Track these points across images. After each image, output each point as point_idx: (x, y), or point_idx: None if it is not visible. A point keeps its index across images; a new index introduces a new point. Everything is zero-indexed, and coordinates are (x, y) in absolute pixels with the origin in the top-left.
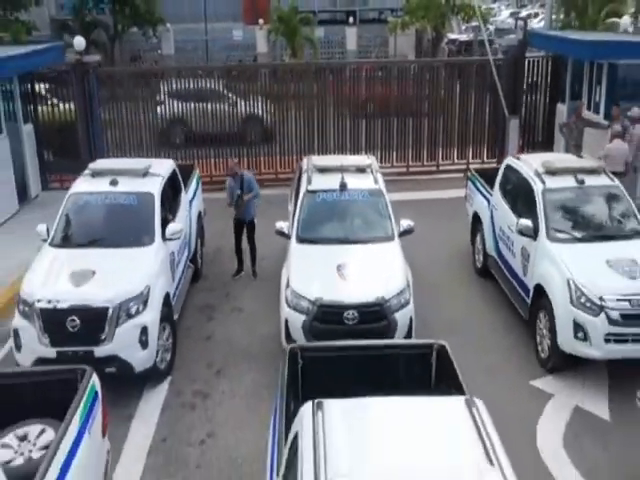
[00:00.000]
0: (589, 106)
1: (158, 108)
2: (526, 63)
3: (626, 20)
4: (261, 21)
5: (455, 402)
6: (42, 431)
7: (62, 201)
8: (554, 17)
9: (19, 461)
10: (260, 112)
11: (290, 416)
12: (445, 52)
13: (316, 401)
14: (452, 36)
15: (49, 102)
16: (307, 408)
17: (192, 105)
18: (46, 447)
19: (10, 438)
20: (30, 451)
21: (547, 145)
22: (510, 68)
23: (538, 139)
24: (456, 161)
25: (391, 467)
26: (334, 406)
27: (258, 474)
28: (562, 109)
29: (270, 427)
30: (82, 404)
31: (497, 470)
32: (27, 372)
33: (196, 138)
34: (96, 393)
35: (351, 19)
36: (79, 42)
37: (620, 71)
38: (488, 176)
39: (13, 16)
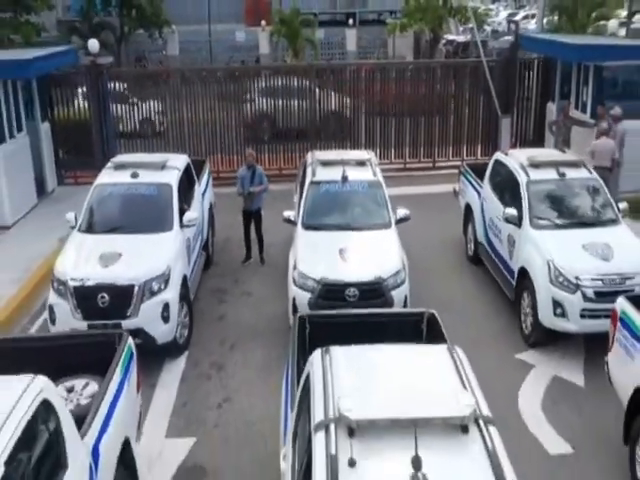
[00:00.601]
0: (577, 105)
1: (247, 105)
2: (518, 65)
3: (613, 23)
4: (263, 23)
5: (439, 348)
6: (86, 384)
7: (78, 195)
8: (549, 19)
9: (69, 407)
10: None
11: (300, 370)
12: (442, 53)
13: (324, 348)
14: (450, 37)
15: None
16: (317, 353)
17: (280, 102)
18: (91, 397)
19: (59, 389)
20: (78, 399)
21: (538, 143)
22: (502, 69)
23: (530, 137)
24: (451, 158)
25: (386, 391)
26: (339, 351)
27: (269, 432)
28: (552, 108)
29: (283, 379)
30: (121, 361)
31: (469, 392)
32: (72, 335)
33: (281, 133)
34: (132, 354)
35: (351, 21)
36: (93, 45)
37: (605, 72)
38: (479, 170)
39: (24, 18)
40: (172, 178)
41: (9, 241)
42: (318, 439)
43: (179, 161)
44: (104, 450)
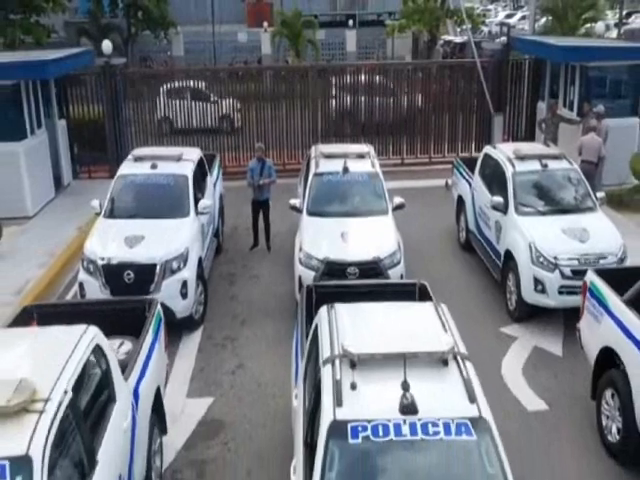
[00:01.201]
0: (565, 104)
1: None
2: (510, 65)
3: (600, 26)
4: (265, 24)
5: (426, 304)
6: (121, 343)
7: (92, 188)
8: (543, 21)
9: None
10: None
11: (308, 331)
12: (440, 54)
13: (329, 304)
14: (447, 38)
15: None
16: (323, 308)
17: (362, 98)
18: (126, 353)
19: None
20: (115, 355)
21: (530, 139)
22: (495, 70)
23: (521, 134)
24: (446, 154)
25: (380, 334)
26: (341, 306)
27: (278, 393)
28: (542, 107)
29: (293, 337)
30: (153, 323)
31: (449, 334)
32: (108, 301)
33: (364, 128)
34: (161, 318)
35: (350, 22)
36: (107, 46)
37: (590, 72)
38: (471, 164)
39: (34, 20)
40: (187, 169)
41: (32, 230)
42: (326, 370)
43: (193, 154)
44: (142, 392)
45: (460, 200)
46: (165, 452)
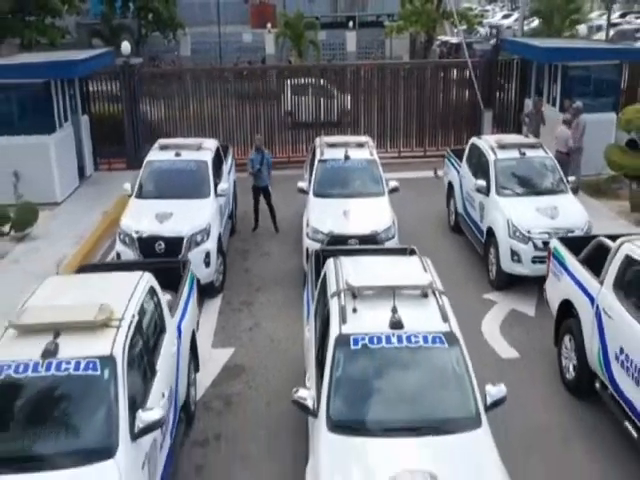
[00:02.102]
0: (548, 100)
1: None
2: (499, 65)
3: (583, 29)
4: (269, 25)
5: (413, 258)
6: (163, 294)
7: (112, 179)
8: (536, 23)
9: None
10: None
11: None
12: (437, 54)
13: (335, 257)
14: (444, 39)
15: None
16: (330, 260)
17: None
18: (168, 302)
19: None
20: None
21: (517, 132)
22: (485, 69)
23: (509, 128)
24: (440, 147)
25: (375, 273)
26: (345, 258)
27: (290, 346)
28: (529, 103)
29: (304, 292)
30: (188, 279)
31: (429, 274)
32: (151, 262)
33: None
34: (193, 277)
35: (351, 23)
36: (125, 47)
37: (571, 71)
38: (460, 155)
39: (48, 22)
40: (207, 156)
41: (61, 215)
42: (333, 300)
43: (211, 144)
44: (183, 330)
45: (450, 186)
46: (197, 388)
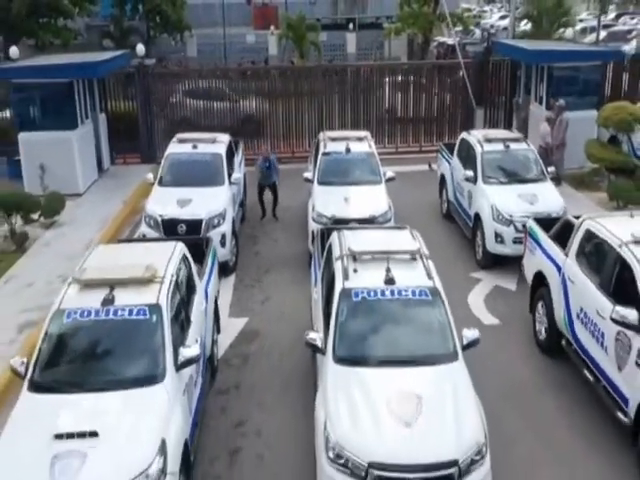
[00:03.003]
0: (536, 99)
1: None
2: (490, 65)
3: (569, 32)
4: (272, 27)
5: (404, 230)
6: None
7: (128, 172)
8: (529, 25)
9: None
10: None
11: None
12: (434, 55)
13: (338, 230)
14: (441, 39)
15: None
16: (334, 233)
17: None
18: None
19: None
20: None
21: (507, 129)
22: (477, 69)
23: (500, 125)
24: (435, 143)
25: (373, 241)
26: (346, 231)
27: (297, 316)
28: (518, 101)
29: (311, 264)
30: (211, 254)
31: (417, 242)
32: (178, 238)
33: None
34: (215, 252)
35: (351, 25)
36: (140, 49)
37: (556, 72)
38: (451, 149)
39: (61, 24)
40: (221, 149)
41: (84, 204)
42: (338, 263)
43: (224, 138)
44: (209, 293)
45: (442, 178)
46: (219, 348)
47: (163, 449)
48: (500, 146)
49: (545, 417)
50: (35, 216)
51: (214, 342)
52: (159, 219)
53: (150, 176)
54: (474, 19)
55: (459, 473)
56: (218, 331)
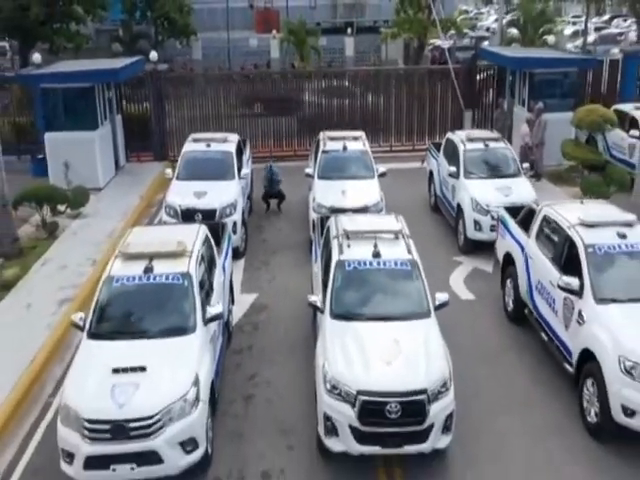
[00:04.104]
0: (519, 101)
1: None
2: (477, 70)
3: (552, 39)
4: (274, 32)
5: (390, 215)
6: None
7: (142, 169)
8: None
9: None
10: None
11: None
12: (428, 58)
13: (335, 216)
14: (437, 42)
15: None
16: (331, 218)
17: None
18: None
19: None
20: None
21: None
22: (466, 74)
23: (487, 125)
24: (427, 142)
25: (363, 223)
26: (342, 216)
27: (300, 292)
28: (504, 104)
29: (312, 247)
30: (227, 236)
31: (400, 224)
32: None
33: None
34: (230, 235)
35: (349, 30)
36: (153, 56)
37: (536, 77)
38: (439, 147)
39: (74, 29)
40: (232, 147)
41: (105, 198)
42: (334, 241)
43: (234, 138)
44: (226, 268)
45: (431, 174)
46: (233, 317)
47: (197, 382)
48: (481, 145)
49: (509, 372)
50: (62, 208)
51: (230, 311)
52: (178, 209)
53: (169, 171)
54: (471, 21)
55: (428, 399)
56: (233, 302)
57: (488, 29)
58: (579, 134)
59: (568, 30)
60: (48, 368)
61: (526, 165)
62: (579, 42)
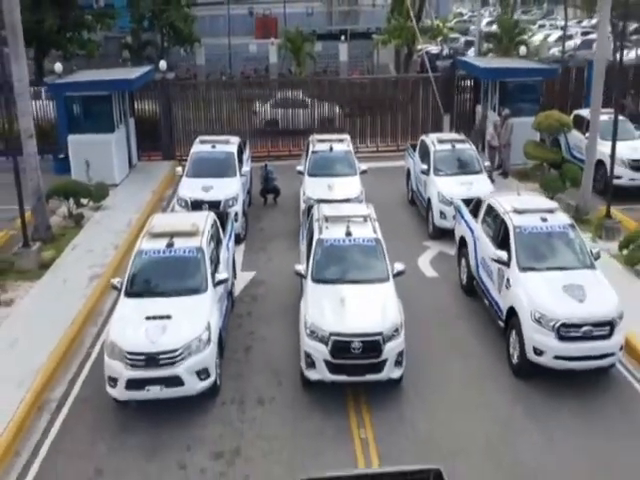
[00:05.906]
0: (490, 107)
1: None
2: (456, 79)
3: (523, 49)
4: (273, 38)
5: (362, 204)
6: None
7: (153, 168)
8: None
9: None
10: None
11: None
12: (418, 63)
13: (318, 204)
14: (427, 48)
15: None
16: (315, 206)
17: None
18: None
19: None
20: None
21: (469, 132)
22: (445, 82)
23: (464, 129)
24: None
25: (338, 210)
26: (323, 204)
27: (292, 274)
28: (479, 109)
29: (300, 230)
30: (230, 222)
31: (369, 210)
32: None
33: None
34: (233, 220)
35: (343, 37)
36: (162, 65)
37: (506, 86)
38: (416, 148)
39: (86, 37)
40: (233, 148)
41: (121, 193)
42: (316, 224)
43: (235, 139)
44: (229, 248)
45: (408, 171)
46: (235, 289)
47: (209, 327)
48: (448, 146)
49: (457, 332)
50: (85, 201)
51: (233, 283)
52: (189, 201)
53: (179, 169)
54: (465, 24)
55: (383, 340)
56: (235, 276)
57: (480, 32)
58: (545, 137)
59: (554, 35)
60: (85, 328)
61: (487, 164)
62: (555, 50)
